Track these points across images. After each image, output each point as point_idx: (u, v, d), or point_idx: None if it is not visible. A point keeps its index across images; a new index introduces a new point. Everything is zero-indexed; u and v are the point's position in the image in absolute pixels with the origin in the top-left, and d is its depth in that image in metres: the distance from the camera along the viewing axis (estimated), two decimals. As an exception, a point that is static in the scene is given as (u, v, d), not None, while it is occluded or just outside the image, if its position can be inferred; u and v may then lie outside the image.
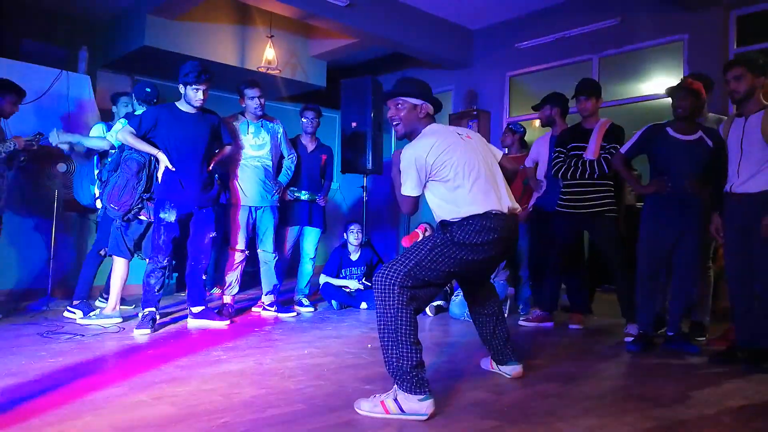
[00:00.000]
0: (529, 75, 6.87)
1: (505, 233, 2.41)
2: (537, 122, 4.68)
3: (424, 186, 2.44)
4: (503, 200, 2.46)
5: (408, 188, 2.41)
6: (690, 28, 5.49)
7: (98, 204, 4.13)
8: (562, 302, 4.55)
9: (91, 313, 3.92)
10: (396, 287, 2.24)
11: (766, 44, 5.21)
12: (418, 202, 2.47)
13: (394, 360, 2.19)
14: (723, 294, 4.21)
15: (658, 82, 5.97)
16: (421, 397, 2.14)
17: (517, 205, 2.53)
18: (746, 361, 3.06)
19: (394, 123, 2.57)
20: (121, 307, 3.99)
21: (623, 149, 3.66)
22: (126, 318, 3.94)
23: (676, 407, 2.34)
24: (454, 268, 2.36)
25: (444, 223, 2.42)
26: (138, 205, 3.78)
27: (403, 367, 2.17)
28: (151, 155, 3.75)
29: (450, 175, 2.38)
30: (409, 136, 2.57)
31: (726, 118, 3.80)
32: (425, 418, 2.12)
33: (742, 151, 3.13)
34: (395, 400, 2.15)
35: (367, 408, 2.17)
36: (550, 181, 4.40)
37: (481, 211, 2.36)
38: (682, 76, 5.31)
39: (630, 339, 3.60)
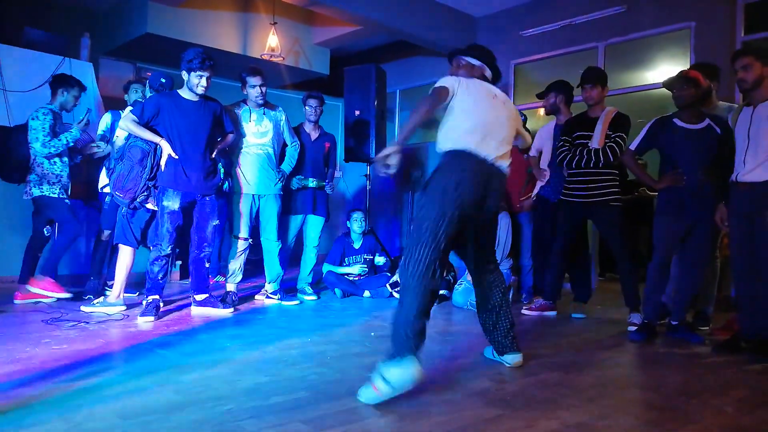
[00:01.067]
0: (534, 63, 6.82)
1: (482, 178, 2.51)
2: (542, 111, 4.65)
3: (446, 106, 2.57)
4: (497, 154, 2.58)
5: (441, 83, 2.57)
6: (697, 15, 5.43)
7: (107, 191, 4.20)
8: (567, 291, 4.55)
9: (95, 301, 3.94)
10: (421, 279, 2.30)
11: (774, 32, 5.15)
12: (436, 106, 2.54)
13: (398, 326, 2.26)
14: (727, 284, 4.21)
15: (664, 71, 5.92)
16: (402, 360, 2.16)
17: (506, 171, 2.64)
18: (750, 351, 3.06)
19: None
20: (125, 294, 4.00)
21: (632, 146, 3.64)
22: (130, 306, 3.95)
23: (679, 397, 2.34)
24: (438, 227, 2.36)
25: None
26: (144, 192, 3.77)
27: (401, 334, 2.24)
28: (155, 143, 3.75)
29: (466, 105, 2.56)
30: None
31: (736, 105, 3.78)
32: (412, 384, 2.15)
33: (749, 141, 3.10)
34: (383, 377, 2.15)
35: (364, 396, 2.17)
36: (553, 170, 4.39)
37: (469, 148, 2.51)
38: (688, 64, 5.29)
39: (633, 328, 3.60)
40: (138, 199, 3.77)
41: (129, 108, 4.05)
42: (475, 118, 2.57)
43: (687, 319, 3.61)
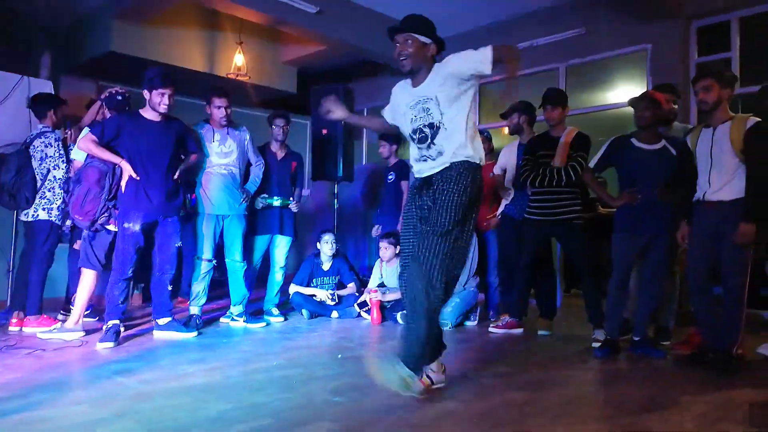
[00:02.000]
0: (497, 83, 6.94)
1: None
2: (506, 130, 4.73)
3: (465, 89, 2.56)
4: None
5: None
6: (653, 38, 5.63)
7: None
8: (533, 307, 4.59)
9: (52, 326, 3.81)
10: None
11: (725, 54, 5.37)
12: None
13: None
14: (687, 298, 4.31)
15: (623, 91, 6.10)
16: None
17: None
18: (715, 364, 3.12)
19: (402, 58, 2.60)
20: (85, 319, 3.88)
21: (591, 163, 3.74)
22: (89, 331, 3.83)
23: (641, 413, 2.38)
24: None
25: (473, 166, 2.55)
26: (104, 213, 3.68)
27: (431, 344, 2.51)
28: (113, 163, 3.67)
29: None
30: (414, 73, 2.62)
31: (690, 126, 3.94)
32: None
33: (712, 161, 3.22)
34: (428, 375, 2.52)
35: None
36: (518, 188, 4.45)
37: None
38: (646, 85, 5.47)
39: (597, 344, 3.65)
40: (99, 221, 3.68)
41: (86, 129, 3.96)
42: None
43: (648, 334, 3.69)
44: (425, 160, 2.62)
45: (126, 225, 3.63)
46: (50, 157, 4.08)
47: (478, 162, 2.58)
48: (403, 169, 5.30)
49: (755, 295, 4.08)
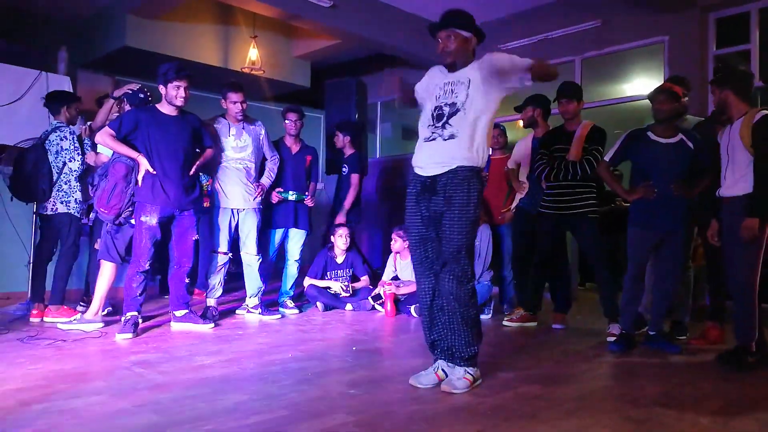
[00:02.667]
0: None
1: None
2: (520, 123, 4.71)
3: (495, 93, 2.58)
4: None
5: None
6: (670, 30, 5.56)
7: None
8: (547, 301, 4.59)
9: (72, 317, 3.88)
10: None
11: (744, 46, 5.29)
12: None
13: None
14: (702, 293, 4.28)
15: (639, 84, 6.04)
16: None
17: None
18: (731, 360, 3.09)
19: (446, 54, 2.61)
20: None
21: (607, 157, 3.71)
22: (108, 323, 3.90)
23: (656, 408, 2.37)
24: None
25: (476, 171, 2.57)
26: (129, 208, 3.74)
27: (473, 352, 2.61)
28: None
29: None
30: (453, 66, 2.64)
31: (699, 120, 3.92)
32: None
33: (728, 157, 3.19)
34: (468, 372, 2.58)
35: (462, 386, 2.51)
36: (532, 182, 4.44)
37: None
38: (662, 78, 5.40)
39: (612, 339, 3.64)
40: (123, 215, 3.73)
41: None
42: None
43: (664, 329, 3.67)
44: (433, 139, 2.60)
45: (143, 219, 3.68)
46: (66, 150, 4.14)
47: (479, 165, 2.59)
48: (355, 162, 5.24)
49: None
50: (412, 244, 2.73)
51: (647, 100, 3.68)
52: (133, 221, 3.79)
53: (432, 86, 2.70)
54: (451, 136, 2.55)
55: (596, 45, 6.06)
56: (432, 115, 2.63)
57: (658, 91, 3.52)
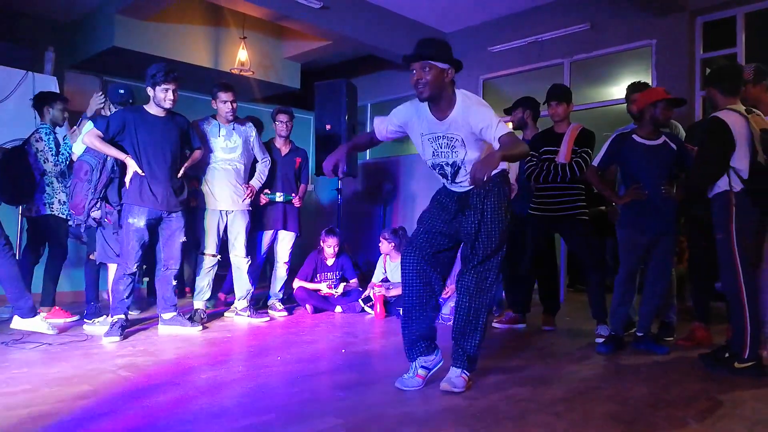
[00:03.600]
0: (502, 78, 6.93)
1: None
2: (510, 125, 4.73)
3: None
4: None
5: (503, 123, 2.46)
6: (658, 33, 5.60)
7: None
8: (536, 302, 4.60)
9: (96, 320, 3.90)
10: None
11: (731, 50, 5.34)
12: None
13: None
14: (687, 294, 4.32)
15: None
16: None
17: None
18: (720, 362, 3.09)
19: (419, 87, 2.47)
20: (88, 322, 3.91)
21: (595, 161, 3.72)
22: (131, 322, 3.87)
23: (645, 409, 2.38)
24: None
25: (501, 174, 2.61)
26: (93, 207, 3.69)
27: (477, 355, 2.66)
28: (115, 159, 3.68)
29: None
30: (432, 99, 2.51)
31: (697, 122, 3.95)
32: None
33: None
34: (467, 374, 2.62)
35: (461, 385, 2.55)
36: (521, 184, 4.45)
37: None
38: (650, 80, 5.44)
39: (601, 340, 3.66)
40: (92, 216, 3.69)
41: (88, 122, 3.96)
42: None
43: (652, 330, 3.69)
44: (456, 186, 2.68)
45: (130, 220, 3.65)
46: (41, 151, 4.10)
47: (504, 168, 2.61)
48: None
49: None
50: (426, 219, 2.73)
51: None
52: (106, 222, 3.76)
53: (418, 135, 2.64)
54: (465, 181, 2.61)
55: (585, 48, 6.09)
56: (435, 170, 2.70)
57: (670, 101, 3.48)
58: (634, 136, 3.55)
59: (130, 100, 4.10)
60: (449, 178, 2.65)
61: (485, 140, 2.51)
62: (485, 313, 2.64)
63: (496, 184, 2.60)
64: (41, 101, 4.26)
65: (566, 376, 2.94)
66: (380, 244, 4.97)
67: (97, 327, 3.80)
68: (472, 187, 2.50)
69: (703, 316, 3.78)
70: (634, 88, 4.00)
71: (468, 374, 2.62)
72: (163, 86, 3.67)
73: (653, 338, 3.63)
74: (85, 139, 3.68)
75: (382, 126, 2.75)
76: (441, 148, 2.59)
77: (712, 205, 3.12)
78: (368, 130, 2.90)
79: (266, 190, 4.58)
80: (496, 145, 2.40)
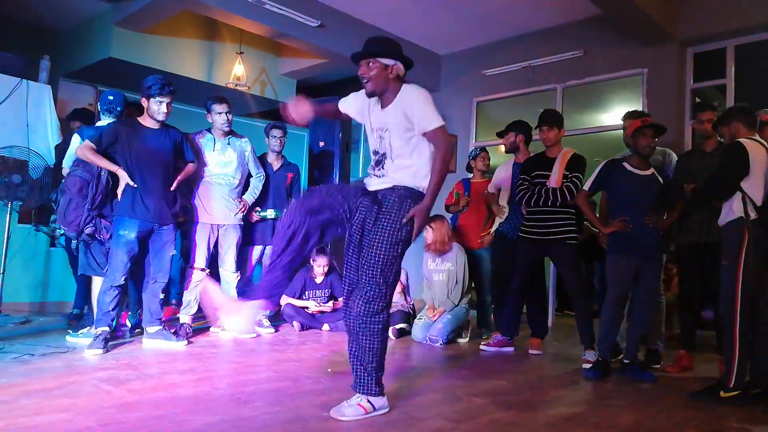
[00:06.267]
0: (495, 101, 7.00)
1: None
2: (502, 148, 4.77)
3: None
4: None
5: (439, 118, 2.48)
6: (649, 62, 5.70)
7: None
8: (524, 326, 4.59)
9: (80, 331, 3.85)
10: (379, 315, 2.44)
11: (720, 81, 5.44)
12: None
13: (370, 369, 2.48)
14: (676, 321, 4.33)
15: (618, 113, 6.14)
16: (383, 396, 2.51)
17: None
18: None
19: (364, 81, 2.56)
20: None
21: (585, 186, 3.77)
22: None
23: (630, 437, 2.38)
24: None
25: (415, 193, 2.51)
26: (88, 223, 3.65)
27: (375, 376, 2.48)
28: (107, 171, 3.67)
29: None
30: (378, 94, 2.58)
31: (668, 150, 4.05)
32: (387, 408, 2.50)
33: None
34: (369, 401, 2.45)
35: (351, 413, 2.40)
36: (512, 207, 4.47)
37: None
38: (641, 108, 5.52)
39: (588, 366, 3.65)
40: (85, 231, 3.66)
41: (75, 135, 3.93)
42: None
43: (639, 357, 3.69)
44: (374, 178, 2.65)
45: (121, 232, 3.62)
46: None
47: (419, 189, 2.53)
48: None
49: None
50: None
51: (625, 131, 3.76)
52: (98, 237, 3.73)
53: (367, 123, 2.69)
54: (384, 176, 2.59)
55: (578, 74, 6.19)
56: (371, 156, 2.69)
57: (646, 126, 3.55)
58: (625, 163, 3.61)
59: (119, 108, 4.05)
60: (379, 165, 2.61)
61: (413, 127, 2.49)
62: (374, 337, 2.46)
63: (403, 197, 2.50)
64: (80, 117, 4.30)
65: (553, 401, 2.93)
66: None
67: (81, 339, 3.75)
68: (385, 187, 2.55)
69: (688, 344, 3.79)
70: (628, 116, 4.06)
71: (369, 401, 2.45)
72: (158, 99, 3.67)
73: (640, 365, 3.64)
74: (78, 151, 3.65)
75: (344, 104, 2.82)
76: (377, 137, 2.63)
77: (724, 232, 3.12)
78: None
79: (257, 208, 4.56)
80: (417, 130, 2.49)
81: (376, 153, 2.65)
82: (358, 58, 2.59)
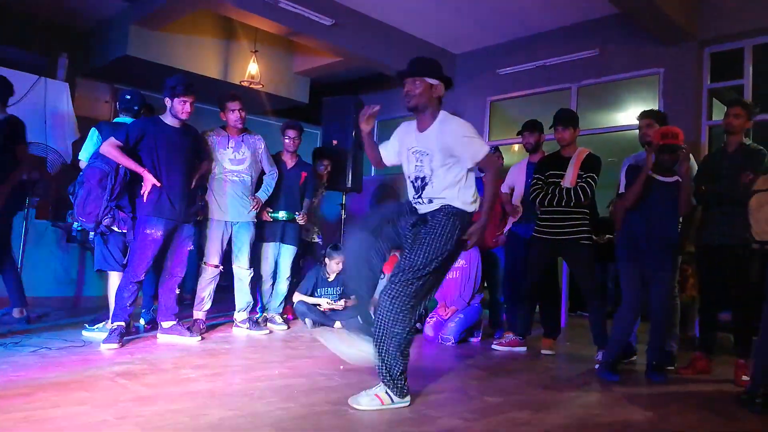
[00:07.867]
0: (510, 100, 6.98)
1: None
2: (516, 147, 4.76)
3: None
4: None
5: (485, 145, 2.64)
6: (666, 62, 5.64)
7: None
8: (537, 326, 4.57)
9: (96, 326, 3.88)
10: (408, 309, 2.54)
11: (738, 81, 5.38)
12: None
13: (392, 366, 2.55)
14: (692, 324, 4.29)
15: (634, 113, 6.09)
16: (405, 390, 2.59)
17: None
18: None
19: (408, 97, 2.68)
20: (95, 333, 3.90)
21: (620, 193, 3.73)
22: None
23: (644, 438, 2.36)
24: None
25: (462, 213, 2.62)
26: (107, 214, 3.69)
27: (394, 374, 2.54)
28: (126, 168, 3.70)
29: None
30: (419, 111, 2.70)
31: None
32: (408, 403, 2.57)
33: None
34: (387, 393, 2.53)
35: (365, 403, 2.48)
36: (526, 207, 4.45)
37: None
38: (657, 108, 5.46)
39: (600, 366, 3.63)
40: (103, 222, 3.69)
41: (93, 129, 3.95)
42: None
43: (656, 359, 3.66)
44: (419, 204, 2.73)
45: (148, 231, 3.65)
46: None
47: (467, 210, 2.65)
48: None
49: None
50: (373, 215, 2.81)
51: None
52: (115, 228, 3.76)
53: (405, 150, 2.78)
54: (429, 201, 2.69)
55: (593, 73, 6.14)
56: (411, 183, 2.76)
57: (669, 147, 3.43)
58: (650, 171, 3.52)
59: (136, 107, 4.09)
60: (419, 191, 2.70)
61: (457, 157, 2.60)
62: (396, 341, 2.56)
63: (449, 216, 2.61)
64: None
65: (565, 402, 2.92)
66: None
67: (96, 333, 3.79)
68: (432, 210, 2.65)
69: (706, 347, 3.75)
70: (643, 116, 4.02)
71: (387, 393, 2.55)
72: (182, 98, 3.71)
73: (653, 367, 3.61)
74: (103, 148, 3.64)
75: (384, 151, 2.94)
76: (417, 161, 2.71)
77: None
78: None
79: (269, 209, 4.57)
80: (468, 163, 2.61)
81: (416, 179, 2.72)
82: (404, 76, 2.70)
